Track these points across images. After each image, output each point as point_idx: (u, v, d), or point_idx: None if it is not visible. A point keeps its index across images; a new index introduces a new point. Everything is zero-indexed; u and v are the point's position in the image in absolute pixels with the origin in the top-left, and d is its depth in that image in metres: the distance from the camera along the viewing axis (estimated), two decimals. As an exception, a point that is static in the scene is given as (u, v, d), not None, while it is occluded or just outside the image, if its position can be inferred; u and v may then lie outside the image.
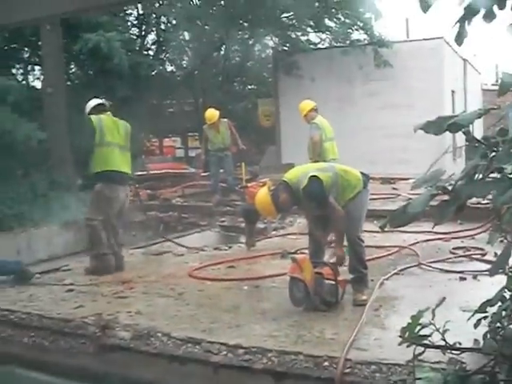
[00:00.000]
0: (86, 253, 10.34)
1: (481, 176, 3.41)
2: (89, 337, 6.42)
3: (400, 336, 3.92)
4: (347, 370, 5.00)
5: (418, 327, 3.86)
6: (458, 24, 3.37)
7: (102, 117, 9.46)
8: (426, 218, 3.62)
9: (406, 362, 4.67)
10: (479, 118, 3.55)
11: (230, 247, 11.21)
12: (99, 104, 9.73)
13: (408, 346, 3.96)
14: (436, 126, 3.59)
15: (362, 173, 7.80)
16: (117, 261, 9.51)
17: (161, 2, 21.54)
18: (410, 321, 3.89)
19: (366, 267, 7.38)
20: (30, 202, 13.62)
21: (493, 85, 33.46)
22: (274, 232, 12.64)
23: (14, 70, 19.92)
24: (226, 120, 16.54)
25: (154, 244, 11.45)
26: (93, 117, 9.39)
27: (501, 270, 3.78)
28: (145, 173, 19.73)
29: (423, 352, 4.01)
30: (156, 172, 20.95)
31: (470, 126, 3.56)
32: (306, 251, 9.44)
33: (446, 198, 3.41)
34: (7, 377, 6.81)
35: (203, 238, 12.71)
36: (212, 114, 16.32)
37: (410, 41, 25.36)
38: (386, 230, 3.93)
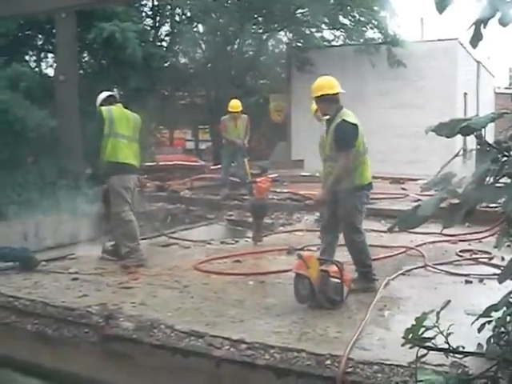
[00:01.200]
0: (94, 242, 10.38)
1: (492, 181, 3.39)
2: (92, 326, 6.42)
3: (403, 337, 3.90)
4: (349, 370, 4.98)
5: (422, 329, 3.85)
6: (473, 26, 3.35)
7: (113, 108, 9.46)
8: (433, 220, 3.61)
9: (408, 364, 4.66)
10: (492, 121, 3.53)
11: (236, 241, 11.20)
12: (110, 96, 9.74)
13: (411, 348, 3.95)
14: (448, 129, 3.56)
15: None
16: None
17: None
18: (414, 322, 3.87)
19: (366, 266, 7.64)
20: (39, 190, 13.64)
21: (506, 88, 33.43)
22: (281, 228, 12.63)
23: (27, 57, 19.95)
24: (246, 116, 16.55)
25: (160, 235, 11.44)
26: (103, 108, 9.38)
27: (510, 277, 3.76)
28: (154, 164, 19.74)
29: (426, 354, 4.00)
30: (165, 163, 20.97)
31: (483, 129, 3.54)
32: (313, 248, 9.49)
33: (455, 201, 3.40)
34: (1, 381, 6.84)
35: (210, 232, 12.70)
36: (237, 104, 16.41)
37: (425, 41, 25.33)
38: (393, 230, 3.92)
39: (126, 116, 9.54)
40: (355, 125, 7.51)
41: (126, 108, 9.73)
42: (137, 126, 9.67)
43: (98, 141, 9.26)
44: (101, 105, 9.54)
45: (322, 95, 7.67)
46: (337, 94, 7.72)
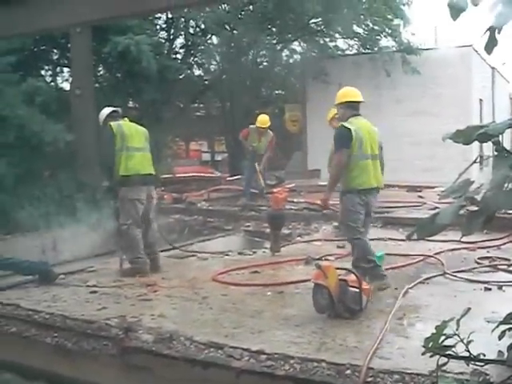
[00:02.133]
0: (112, 255, 10.41)
1: (510, 187, 3.38)
2: (112, 339, 6.43)
3: (424, 346, 3.89)
4: (369, 379, 4.96)
5: (442, 337, 3.83)
6: (488, 32, 3.34)
7: (121, 122, 9.61)
8: (451, 227, 3.59)
9: (429, 373, 4.64)
10: (510, 127, 3.52)
11: (254, 252, 11.18)
12: (113, 111, 9.87)
13: (431, 356, 3.94)
14: (465, 136, 3.56)
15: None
16: (153, 262, 9.62)
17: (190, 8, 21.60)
18: (434, 330, 3.86)
19: (369, 261, 7.96)
20: (56, 203, 13.69)
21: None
22: (298, 238, 12.60)
23: (42, 72, 20.07)
24: (271, 133, 16.65)
25: (179, 247, 11.45)
26: (112, 123, 9.50)
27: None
28: (171, 176, 19.79)
29: (447, 362, 3.98)
30: (182, 175, 21.01)
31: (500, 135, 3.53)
32: (331, 258, 9.47)
33: (473, 208, 3.38)
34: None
35: (228, 243, 12.69)
36: (265, 119, 16.62)
37: (439, 48, 25.27)
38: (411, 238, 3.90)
39: (135, 129, 9.69)
40: (348, 129, 8.01)
41: (131, 121, 9.90)
42: (146, 137, 9.79)
43: (111, 156, 9.34)
44: (105, 121, 9.67)
45: (345, 102, 8.38)
46: (357, 102, 8.44)
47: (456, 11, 3.21)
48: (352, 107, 8.36)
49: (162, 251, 10.38)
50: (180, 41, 24.07)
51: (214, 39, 24.54)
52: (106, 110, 9.88)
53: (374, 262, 7.98)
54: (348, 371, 5.12)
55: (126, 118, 9.84)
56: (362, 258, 7.99)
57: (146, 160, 9.60)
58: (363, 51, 24.50)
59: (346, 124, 8.12)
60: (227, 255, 10.91)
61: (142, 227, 9.51)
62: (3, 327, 7.25)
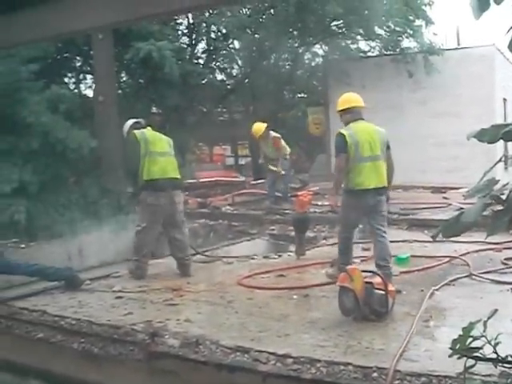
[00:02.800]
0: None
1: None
2: (138, 344, 6.44)
3: (451, 348, 3.85)
4: (396, 382, 4.94)
5: (470, 339, 3.79)
6: (511, 31, 3.31)
7: (144, 130, 9.79)
8: (477, 228, 3.57)
9: (456, 375, 4.60)
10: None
11: (279, 256, 11.17)
12: (136, 122, 10.07)
13: (459, 358, 3.89)
14: (490, 134, 3.52)
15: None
16: (184, 267, 9.66)
17: (211, 11, 21.64)
18: (461, 332, 3.82)
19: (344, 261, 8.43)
20: (81, 209, 13.76)
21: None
22: (323, 241, 12.58)
23: (66, 79, 20.19)
24: (272, 136, 16.61)
25: (203, 252, 11.46)
26: (135, 131, 9.67)
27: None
28: (195, 181, 19.82)
29: (474, 365, 3.94)
30: (206, 180, 21.04)
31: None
32: (356, 260, 9.44)
33: (499, 208, 3.35)
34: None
35: (253, 247, 12.70)
36: (257, 128, 16.53)
37: (461, 48, 25.14)
38: (436, 239, 3.88)
39: (158, 135, 9.84)
40: (343, 134, 8.52)
41: (155, 131, 10.00)
42: (170, 144, 9.93)
43: (136, 164, 9.42)
44: (128, 131, 9.89)
45: (345, 109, 8.91)
46: (356, 107, 8.91)
47: (478, 10, 3.18)
48: (352, 112, 8.78)
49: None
50: (202, 46, 24.18)
51: (236, 43, 24.62)
52: (130, 122, 10.10)
53: (347, 259, 8.61)
54: (375, 374, 5.11)
55: (149, 128, 9.95)
56: (340, 252, 8.79)
57: (169, 164, 9.66)
58: (385, 53, 24.41)
59: (341, 130, 8.62)
60: (252, 259, 10.92)
61: (167, 232, 9.56)
62: (30, 333, 7.29)
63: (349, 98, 9.04)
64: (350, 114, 8.76)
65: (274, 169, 16.63)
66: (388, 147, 8.87)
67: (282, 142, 16.77)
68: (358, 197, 8.42)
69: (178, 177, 9.79)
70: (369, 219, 8.61)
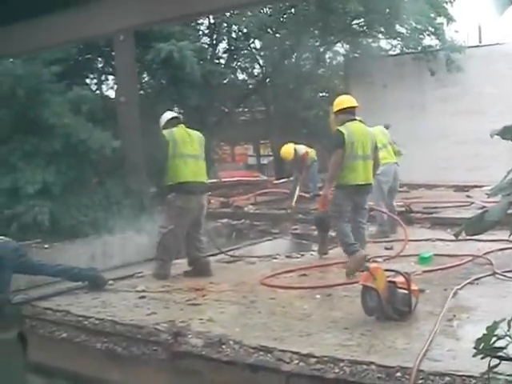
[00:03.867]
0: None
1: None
2: (161, 343, 6.46)
3: (474, 347, 3.83)
4: (420, 381, 4.92)
5: (494, 339, 3.77)
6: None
7: (174, 130, 9.60)
8: (500, 227, 3.55)
9: (480, 375, 4.57)
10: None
11: (302, 255, 11.15)
12: (174, 117, 9.92)
13: (483, 358, 3.88)
14: (514, 132, 3.50)
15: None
16: (202, 266, 9.66)
17: (232, 12, 21.65)
18: (484, 332, 3.80)
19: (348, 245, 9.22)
20: (105, 210, 13.81)
21: None
22: (346, 240, 12.55)
23: (88, 80, 20.26)
24: (303, 151, 16.77)
25: (226, 251, 11.46)
26: (165, 131, 9.56)
27: None
28: (217, 180, 19.84)
29: (498, 364, 3.92)
30: (228, 180, 21.05)
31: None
32: (379, 259, 9.42)
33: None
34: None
35: (275, 246, 12.69)
36: (286, 152, 16.88)
37: (483, 45, 24.97)
38: (459, 238, 3.86)
39: (188, 136, 9.67)
40: (342, 132, 9.30)
41: (188, 127, 9.87)
42: (201, 144, 9.82)
43: (163, 163, 9.42)
44: (164, 126, 9.71)
45: (341, 109, 9.73)
46: (351, 108, 9.77)
47: (501, 6, 3.16)
48: (347, 113, 9.62)
49: (210, 255, 10.41)
50: (223, 45, 24.18)
51: (257, 43, 24.59)
52: (167, 115, 9.96)
53: (352, 246, 9.15)
54: (398, 374, 5.09)
55: (182, 125, 9.81)
56: (341, 242, 9.42)
57: (198, 168, 9.62)
58: (407, 51, 24.30)
59: (340, 128, 9.40)
60: (275, 258, 10.91)
61: (188, 232, 9.56)
62: (54, 333, 7.34)
63: (343, 100, 9.99)
64: (345, 115, 9.59)
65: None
66: (376, 148, 9.85)
67: (308, 150, 16.93)
68: (349, 191, 9.27)
69: (205, 181, 9.82)
70: (352, 211, 9.43)
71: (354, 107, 9.83)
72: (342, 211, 9.34)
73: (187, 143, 9.54)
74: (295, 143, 17.34)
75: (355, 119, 9.67)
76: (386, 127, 13.01)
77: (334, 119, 10.03)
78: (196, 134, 9.83)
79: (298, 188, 16.81)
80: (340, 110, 9.77)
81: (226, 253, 11.29)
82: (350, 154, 9.26)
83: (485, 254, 9.76)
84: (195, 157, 9.58)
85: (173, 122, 9.76)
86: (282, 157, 16.99)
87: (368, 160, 9.50)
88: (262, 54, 25.00)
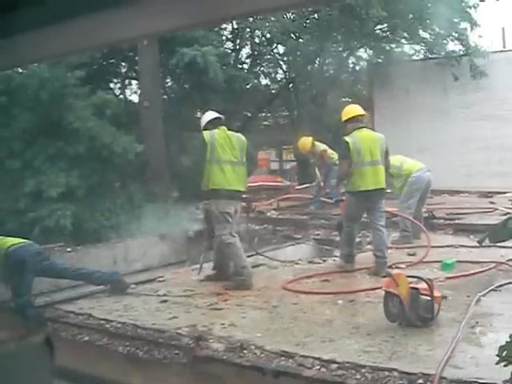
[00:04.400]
0: (182, 264, 10.47)
1: None
2: (183, 348, 6.46)
3: (497, 355, 3.81)
4: (443, 388, 4.89)
5: (517, 346, 3.75)
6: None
7: (216, 132, 9.24)
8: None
9: (503, 382, 4.54)
10: None
11: (324, 260, 11.13)
12: (216, 118, 9.55)
13: (505, 366, 3.85)
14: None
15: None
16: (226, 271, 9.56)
17: (255, 17, 21.67)
18: (508, 339, 3.77)
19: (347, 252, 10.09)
20: (127, 213, 13.86)
21: None
22: (368, 246, 12.49)
23: (111, 85, 20.39)
24: (322, 148, 16.59)
25: (248, 257, 11.45)
26: (205, 132, 9.21)
27: None
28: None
29: (522, 372, 3.89)
30: (251, 185, 21.04)
31: None
32: (402, 265, 9.39)
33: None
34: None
35: (297, 251, 12.67)
36: (303, 144, 16.64)
37: (507, 50, 24.82)
38: (483, 245, 3.84)
39: (229, 140, 9.31)
40: (347, 142, 9.68)
41: (229, 129, 9.64)
42: (243, 147, 9.49)
43: (200, 164, 9.25)
44: (205, 127, 9.39)
45: (348, 118, 10.03)
46: (358, 116, 10.09)
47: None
48: (355, 121, 9.96)
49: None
50: (246, 51, 24.24)
51: (280, 48, 24.59)
52: (208, 116, 9.64)
53: (348, 256, 10.03)
54: (420, 380, 5.06)
55: (223, 127, 9.45)
56: (344, 243, 10.18)
57: (237, 175, 9.30)
58: (430, 56, 24.20)
59: (346, 138, 9.77)
60: (297, 264, 10.89)
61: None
62: (76, 336, 7.36)
63: (351, 110, 10.31)
64: (353, 123, 9.91)
65: (317, 173, 16.74)
66: (387, 153, 10.05)
67: (329, 151, 16.70)
68: (359, 197, 9.68)
69: (242, 189, 9.59)
70: (369, 215, 9.93)
71: (361, 115, 10.20)
72: (350, 214, 9.97)
73: (227, 148, 9.18)
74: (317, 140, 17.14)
75: (363, 127, 10.04)
76: None
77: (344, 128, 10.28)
78: (237, 137, 9.51)
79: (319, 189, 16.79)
80: (348, 119, 10.07)
81: (261, 254, 11.25)
82: (358, 161, 9.63)
83: (508, 260, 9.67)
84: (233, 163, 9.22)
85: (214, 123, 9.41)
86: (299, 147, 16.79)
87: (378, 165, 9.78)
88: (285, 59, 25.00)
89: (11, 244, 8.46)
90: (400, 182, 12.12)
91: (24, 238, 8.78)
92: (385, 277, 9.12)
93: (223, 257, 9.45)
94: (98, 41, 1.95)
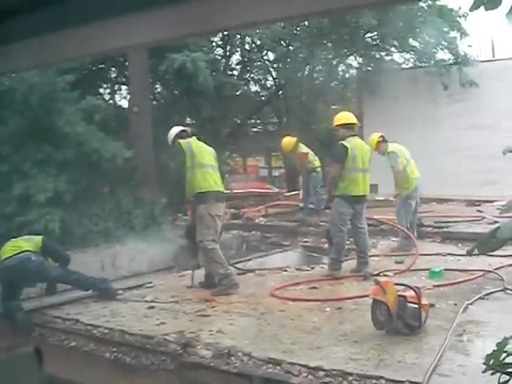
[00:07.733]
0: (170, 270, 10.44)
1: None
2: (170, 354, 6.45)
3: (484, 363, 3.81)
4: (430, 396, 4.90)
5: (504, 354, 3.75)
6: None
7: (191, 140, 9.62)
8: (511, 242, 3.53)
9: (490, 391, 4.55)
10: None
11: (312, 268, 11.14)
12: (182, 131, 9.89)
13: (493, 374, 3.85)
14: (526, 147, 3.50)
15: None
16: (211, 278, 9.55)
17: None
18: (495, 348, 3.78)
19: (337, 256, 10.10)
20: (115, 219, 13.83)
21: None
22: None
23: (101, 90, 20.36)
24: (301, 151, 16.51)
25: (236, 263, 11.45)
26: (182, 141, 9.50)
27: None
28: (228, 192, 19.83)
29: (508, 380, 3.90)
30: (239, 191, 21.04)
31: None
32: (389, 273, 9.40)
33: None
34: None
35: (286, 258, 12.67)
36: (286, 143, 16.55)
37: (496, 60, 24.92)
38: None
39: (204, 147, 9.70)
40: (346, 147, 9.94)
41: (199, 140, 9.87)
42: (215, 156, 9.82)
43: (182, 173, 9.43)
44: (174, 140, 9.69)
45: (342, 124, 10.25)
46: (352, 124, 10.35)
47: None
48: (348, 128, 10.18)
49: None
50: (236, 57, 24.29)
51: (270, 55, 24.65)
52: (175, 130, 9.91)
53: (337, 262, 10.08)
54: (407, 388, 5.07)
55: (194, 137, 9.81)
56: (335, 250, 10.09)
57: (217, 177, 9.61)
58: (419, 64, 24.29)
59: (344, 142, 10.00)
60: (285, 271, 10.89)
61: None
62: (63, 342, 7.34)
63: (345, 116, 10.66)
64: (346, 130, 10.14)
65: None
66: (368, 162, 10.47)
67: (310, 156, 16.62)
68: (350, 201, 9.95)
69: (223, 190, 9.87)
70: (352, 219, 10.09)
71: (353, 124, 10.44)
72: (341, 219, 9.99)
73: (204, 154, 9.54)
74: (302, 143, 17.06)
75: (355, 135, 10.35)
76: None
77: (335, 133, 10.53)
78: (209, 147, 9.85)
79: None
80: (340, 124, 10.31)
81: (234, 266, 11.26)
82: (352, 167, 9.98)
83: (496, 269, 9.72)
84: (213, 167, 9.58)
85: (181, 135, 9.74)
86: (282, 146, 16.77)
87: (366, 173, 10.26)
88: (275, 66, 25.04)
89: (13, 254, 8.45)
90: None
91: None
92: (366, 277, 9.27)
93: (207, 262, 9.46)
94: (92, 50, 1.96)
